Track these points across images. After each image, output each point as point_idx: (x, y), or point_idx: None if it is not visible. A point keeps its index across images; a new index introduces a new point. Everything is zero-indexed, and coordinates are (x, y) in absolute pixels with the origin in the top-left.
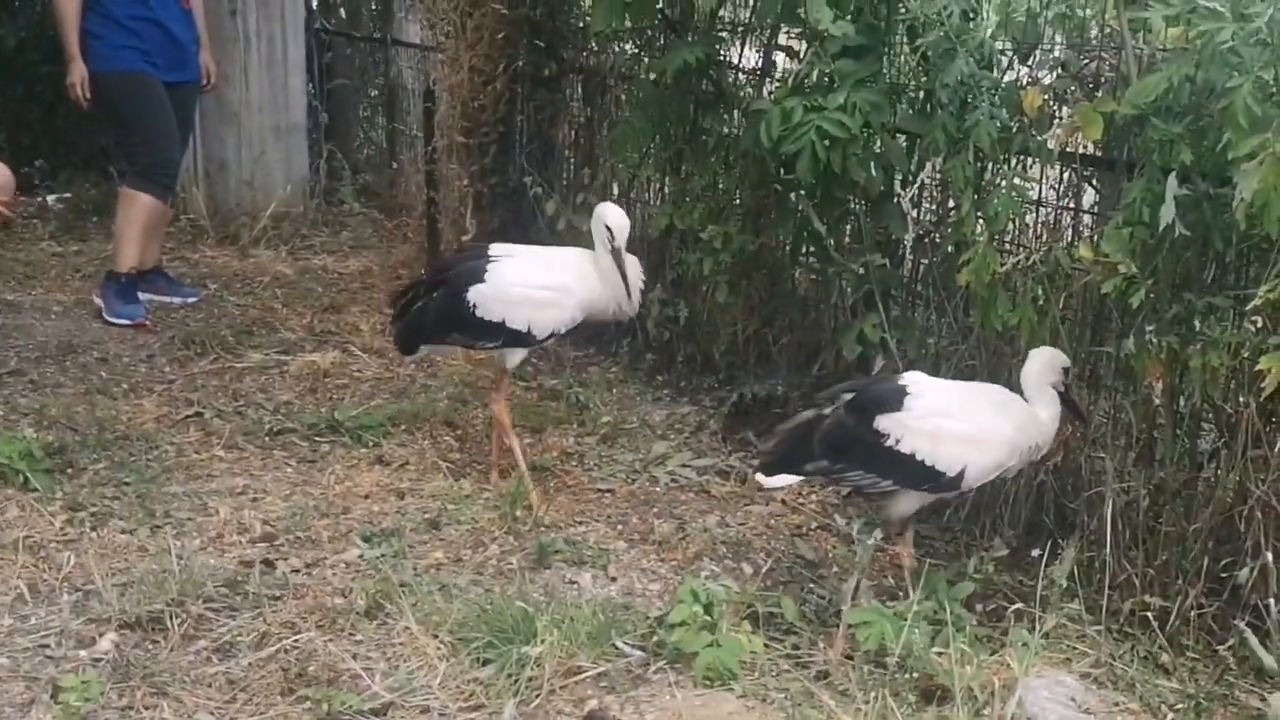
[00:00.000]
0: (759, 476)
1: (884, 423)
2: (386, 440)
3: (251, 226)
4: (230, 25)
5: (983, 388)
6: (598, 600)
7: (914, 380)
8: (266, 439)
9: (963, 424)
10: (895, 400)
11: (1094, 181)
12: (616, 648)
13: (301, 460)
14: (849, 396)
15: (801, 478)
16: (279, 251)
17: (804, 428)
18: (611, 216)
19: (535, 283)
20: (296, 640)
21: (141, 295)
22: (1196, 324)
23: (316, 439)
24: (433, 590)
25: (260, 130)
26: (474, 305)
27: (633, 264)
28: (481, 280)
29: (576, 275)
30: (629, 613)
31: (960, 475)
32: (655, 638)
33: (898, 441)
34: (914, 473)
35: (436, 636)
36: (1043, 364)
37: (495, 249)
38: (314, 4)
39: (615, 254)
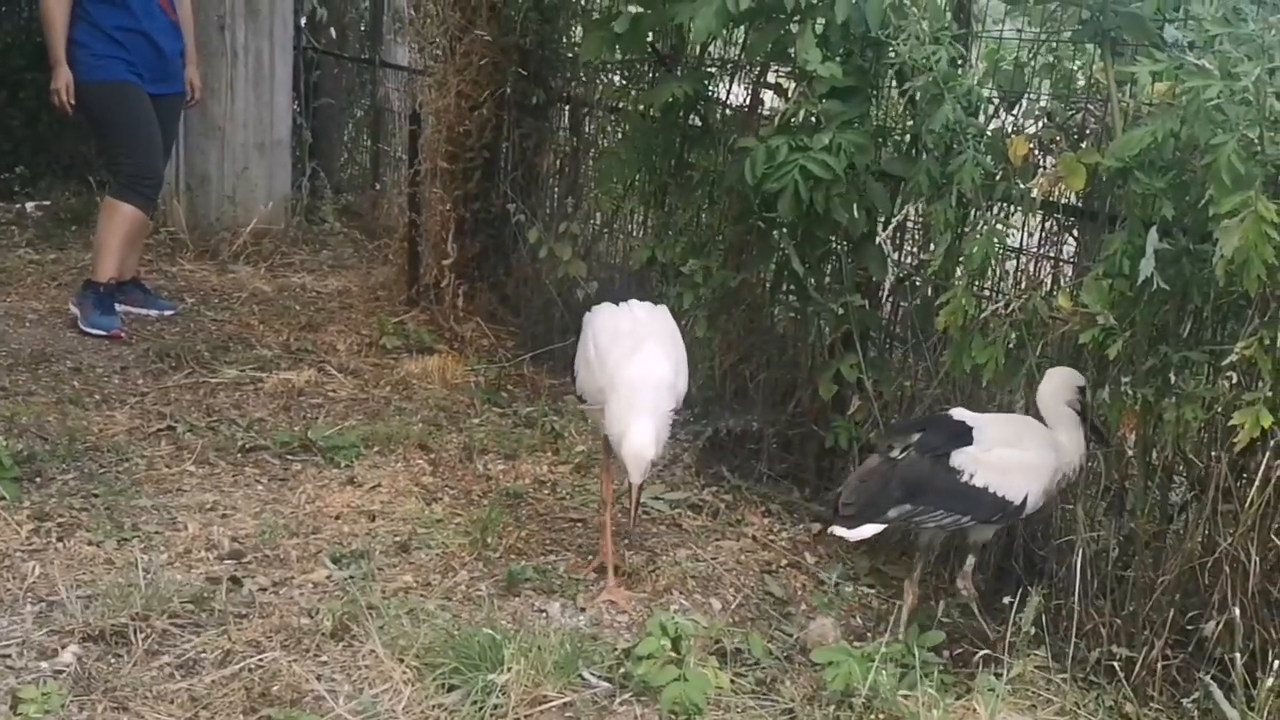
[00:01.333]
0: (841, 531)
1: (959, 459)
2: (359, 461)
3: (231, 242)
4: (218, 40)
5: (1014, 418)
6: (566, 630)
7: (965, 415)
8: (238, 455)
9: (1023, 453)
10: (966, 435)
11: (1075, 232)
12: (583, 678)
13: (272, 478)
14: (917, 437)
15: (885, 525)
16: (258, 268)
17: (877, 474)
18: (629, 444)
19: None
20: (261, 659)
21: (118, 307)
22: (1172, 377)
23: (288, 457)
24: (400, 614)
25: (244, 146)
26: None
27: None
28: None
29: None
30: (597, 643)
31: (1023, 503)
32: (622, 670)
33: (971, 476)
34: (987, 505)
35: (403, 661)
36: (1057, 384)
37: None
38: (303, 22)
39: (630, 489)
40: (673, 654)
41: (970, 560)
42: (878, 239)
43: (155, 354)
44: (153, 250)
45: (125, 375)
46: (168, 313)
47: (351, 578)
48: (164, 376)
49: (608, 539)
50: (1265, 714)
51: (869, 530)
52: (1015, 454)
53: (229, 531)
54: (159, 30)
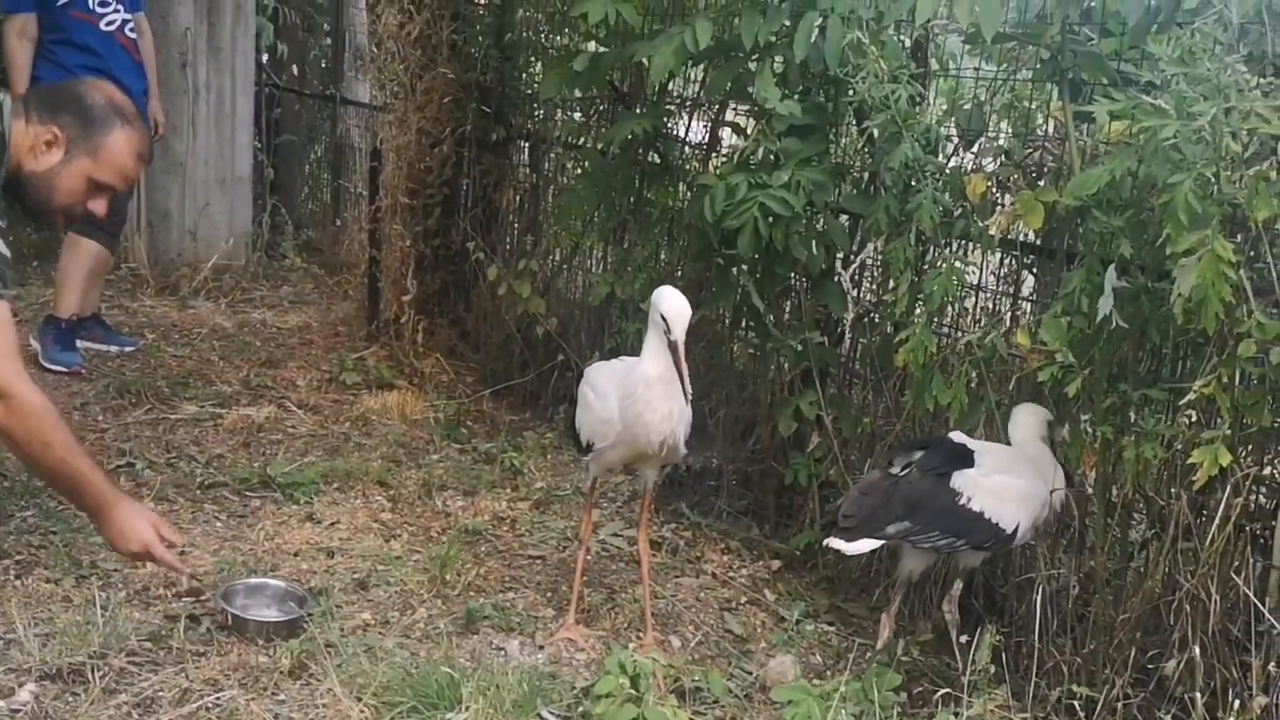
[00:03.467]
0: (837, 543)
1: (959, 480)
2: (318, 498)
3: (192, 278)
4: (180, 77)
5: (1006, 448)
6: (524, 668)
7: (964, 438)
8: (197, 492)
9: (1020, 481)
10: (967, 458)
11: (1034, 270)
12: (541, 717)
13: (231, 515)
14: (919, 455)
15: (882, 541)
16: (219, 304)
17: (878, 489)
18: (668, 301)
19: None
20: (218, 698)
21: (78, 343)
22: (1131, 415)
23: (247, 494)
24: (358, 652)
25: (205, 182)
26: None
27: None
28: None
29: None
30: (555, 682)
31: (1014, 533)
32: (581, 708)
33: (969, 500)
34: (982, 530)
35: (360, 699)
36: (1030, 421)
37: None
38: (264, 60)
39: (673, 348)
40: (632, 692)
41: (957, 585)
42: (837, 276)
43: (115, 390)
44: (114, 286)
45: (85, 411)
46: (128, 349)
47: (309, 615)
48: (124, 413)
49: (578, 577)
50: None
51: (866, 545)
52: (1013, 481)
53: (187, 569)
54: (122, 69)
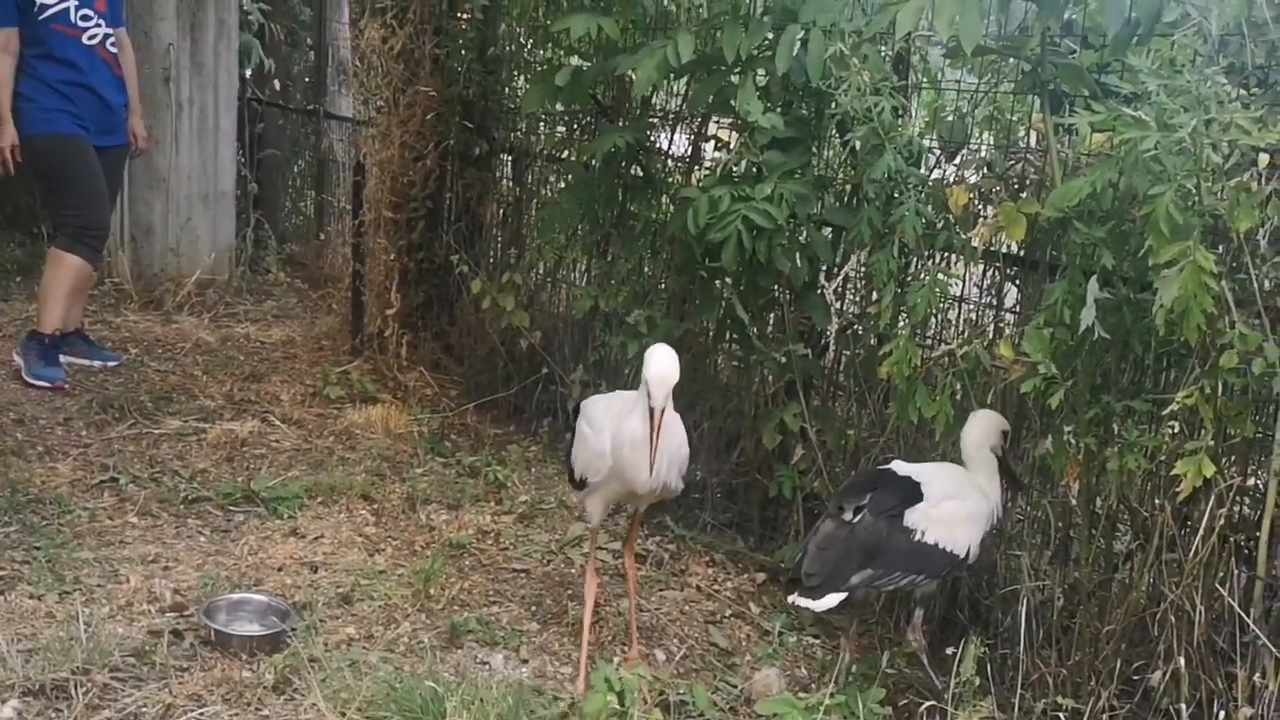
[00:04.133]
0: (805, 603)
1: (911, 518)
2: (302, 512)
3: (176, 292)
4: (163, 92)
5: (945, 466)
6: (508, 682)
7: (907, 468)
8: (181, 507)
9: (964, 504)
10: (916, 492)
11: (1017, 281)
12: None
13: (215, 530)
14: (868, 498)
15: (848, 592)
16: (202, 318)
17: (836, 541)
18: (654, 365)
19: None
20: (202, 713)
21: (61, 358)
22: (1114, 426)
23: (231, 509)
24: (342, 666)
25: (188, 197)
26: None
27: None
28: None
29: None
30: (540, 696)
31: (967, 555)
32: None
33: (923, 534)
34: (939, 561)
35: (344, 715)
36: (984, 428)
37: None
38: (247, 74)
39: (650, 414)
40: (617, 707)
41: (918, 613)
42: (820, 288)
43: (99, 405)
44: (97, 301)
45: (68, 426)
46: (111, 364)
47: (294, 630)
48: (107, 428)
49: (585, 634)
50: None
51: (833, 599)
52: (959, 506)
53: (171, 584)
54: (104, 84)
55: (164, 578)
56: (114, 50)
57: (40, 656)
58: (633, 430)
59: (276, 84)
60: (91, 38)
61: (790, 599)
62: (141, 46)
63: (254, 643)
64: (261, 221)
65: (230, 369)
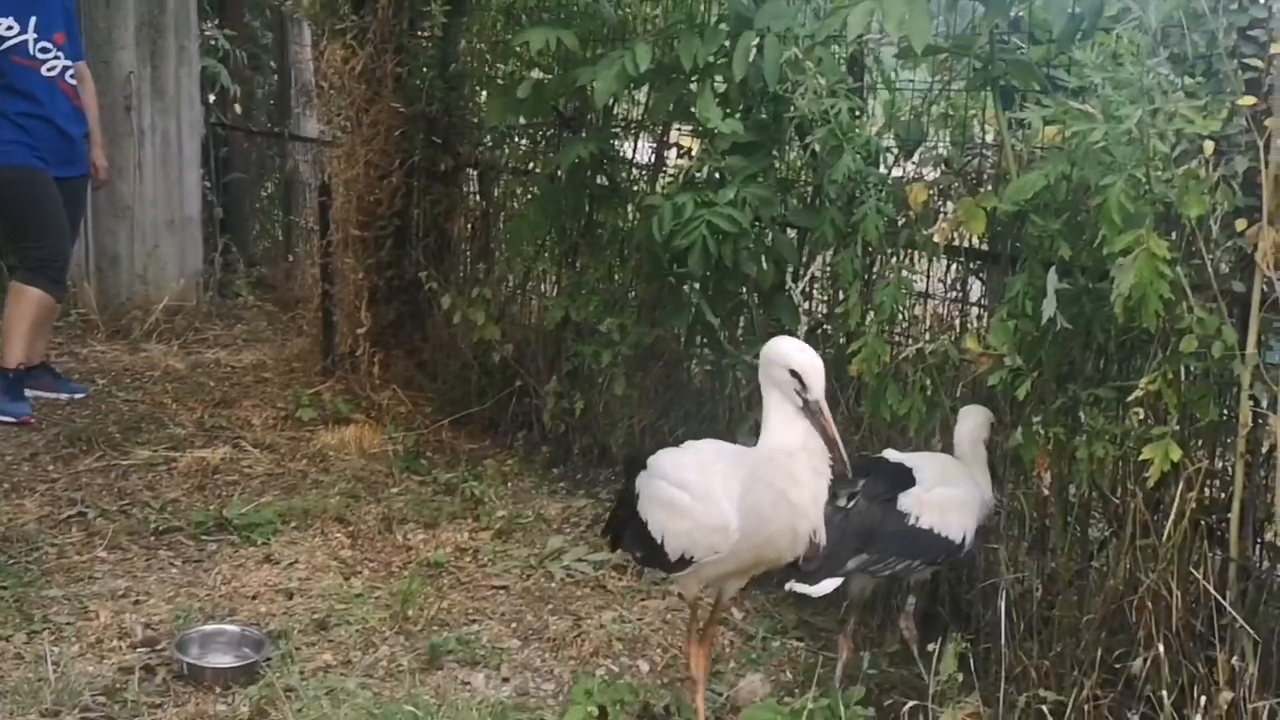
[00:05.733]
0: (802, 587)
1: (905, 502)
2: (276, 538)
3: (143, 320)
4: (124, 120)
5: (937, 455)
6: (490, 702)
7: (899, 455)
8: (151, 539)
9: (958, 491)
10: (908, 477)
11: (980, 275)
12: None
13: (187, 560)
14: (861, 483)
15: (844, 577)
16: (171, 345)
17: (832, 526)
18: (799, 354)
19: None
20: None
21: (27, 392)
22: (1082, 415)
23: (203, 538)
24: (319, 694)
25: (154, 224)
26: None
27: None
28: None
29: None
30: (523, 714)
31: (963, 542)
32: None
33: (918, 519)
34: (934, 546)
35: None
36: (976, 423)
37: None
38: (210, 99)
39: (814, 410)
40: None
41: (911, 600)
42: (788, 290)
43: (65, 438)
44: (63, 332)
45: (35, 462)
46: (78, 395)
47: (268, 659)
48: (75, 461)
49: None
50: None
51: (830, 584)
52: (953, 492)
53: (142, 618)
54: (62, 115)
55: (135, 612)
56: (73, 82)
57: (8, 700)
58: (783, 444)
59: (239, 108)
60: (51, 69)
61: (787, 586)
62: (101, 75)
63: (228, 675)
64: (229, 245)
65: (200, 395)
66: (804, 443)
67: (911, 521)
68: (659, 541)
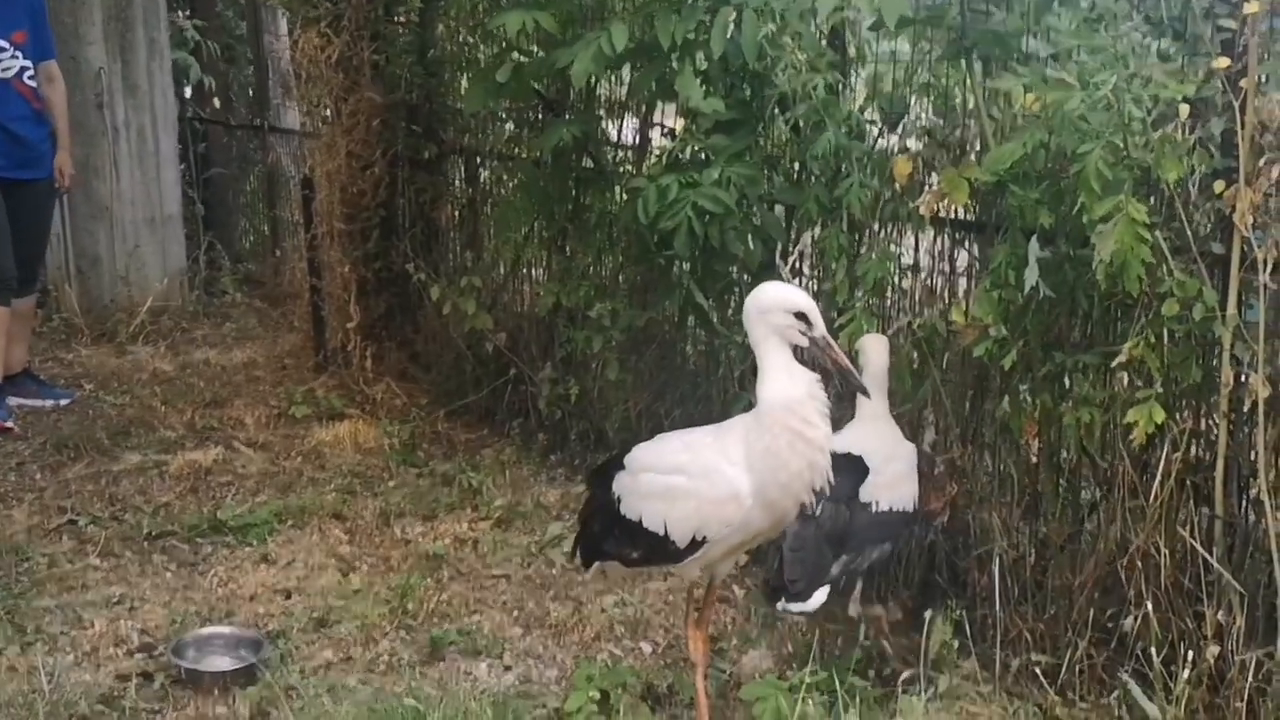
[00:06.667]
0: (796, 607)
1: (865, 493)
2: (272, 538)
3: (128, 323)
4: (97, 118)
5: (862, 424)
6: (493, 692)
7: (842, 441)
8: (145, 544)
9: (902, 462)
10: (862, 467)
11: (965, 245)
12: None
13: (182, 564)
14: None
15: (830, 583)
16: (158, 347)
17: (808, 541)
18: (793, 294)
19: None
20: None
21: (11, 400)
22: (1068, 382)
23: (198, 540)
24: (320, 693)
25: (134, 223)
26: None
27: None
28: None
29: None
30: (526, 701)
31: (916, 509)
32: None
33: (878, 504)
34: (896, 524)
35: None
36: (880, 350)
37: None
38: (186, 93)
39: (822, 345)
40: (600, 705)
41: (859, 585)
42: (777, 267)
43: (53, 446)
44: (46, 338)
45: (22, 471)
46: (64, 402)
47: (268, 659)
48: (63, 469)
49: (703, 711)
50: (1184, 705)
51: (821, 595)
52: (899, 465)
53: (138, 625)
54: (15, 118)
55: (130, 619)
56: (31, 84)
57: (2, 714)
58: (789, 396)
59: (217, 101)
60: (5, 70)
61: (779, 607)
62: (70, 73)
63: (227, 677)
64: (214, 243)
65: (190, 397)
66: (809, 389)
67: (875, 509)
68: (662, 533)
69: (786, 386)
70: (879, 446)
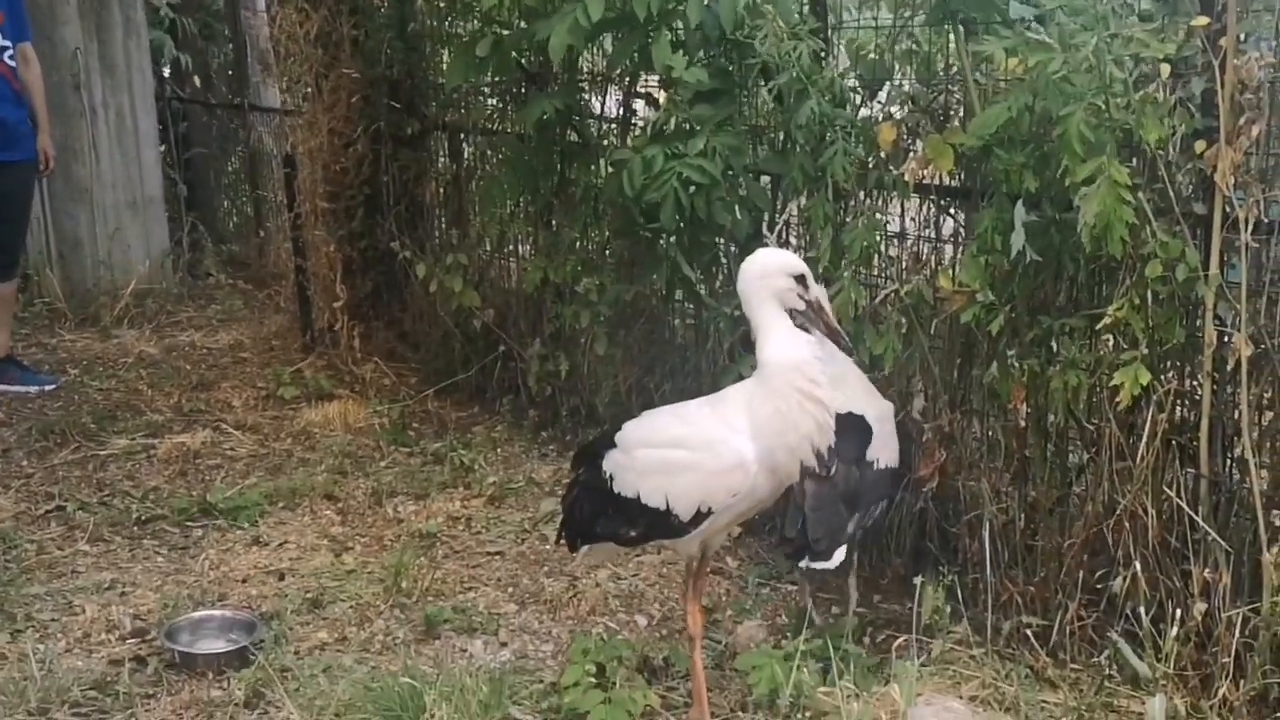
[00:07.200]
0: (819, 565)
1: (871, 451)
2: (263, 520)
3: (112, 306)
4: (75, 99)
5: (845, 378)
6: (489, 668)
7: (842, 402)
8: (134, 528)
9: (890, 419)
10: (865, 426)
11: (953, 212)
12: (511, 715)
13: (173, 548)
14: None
15: (846, 543)
16: (143, 330)
17: (825, 500)
18: (787, 258)
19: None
20: None
21: None
22: (1055, 345)
23: (188, 524)
24: (316, 673)
25: (114, 206)
26: None
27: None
28: None
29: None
30: (523, 677)
31: (903, 466)
32: (550, 700)
33: (879, 461)
34: (895, 481)
35: None
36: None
37: None
38: (165, 73)
39: (816, 309)
40: (596, 678)
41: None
42: (764, 237)
43: (38, 432)
44: (29, 323)
45: (7, 458)
46: (49, 387)
47: (262, 641)
48: (49, 454)
49: (701, 686)
50: (1173, 663)
51: (841, 553)
52: (890, 425)
53: (130, 609)
54: None
55: (121, 604)
56: (11, 64)
57: None
58: (797, 358)
59: (196, 80)
60: None
61: (802, 565)
62: (46, 54)
63: (221, 660)
64: (196, 224)
65: (177, 380)
66: (812, 350)
67: (878, 466)
68: (664, 508)
69: (790, 347)
70: (873, 407)
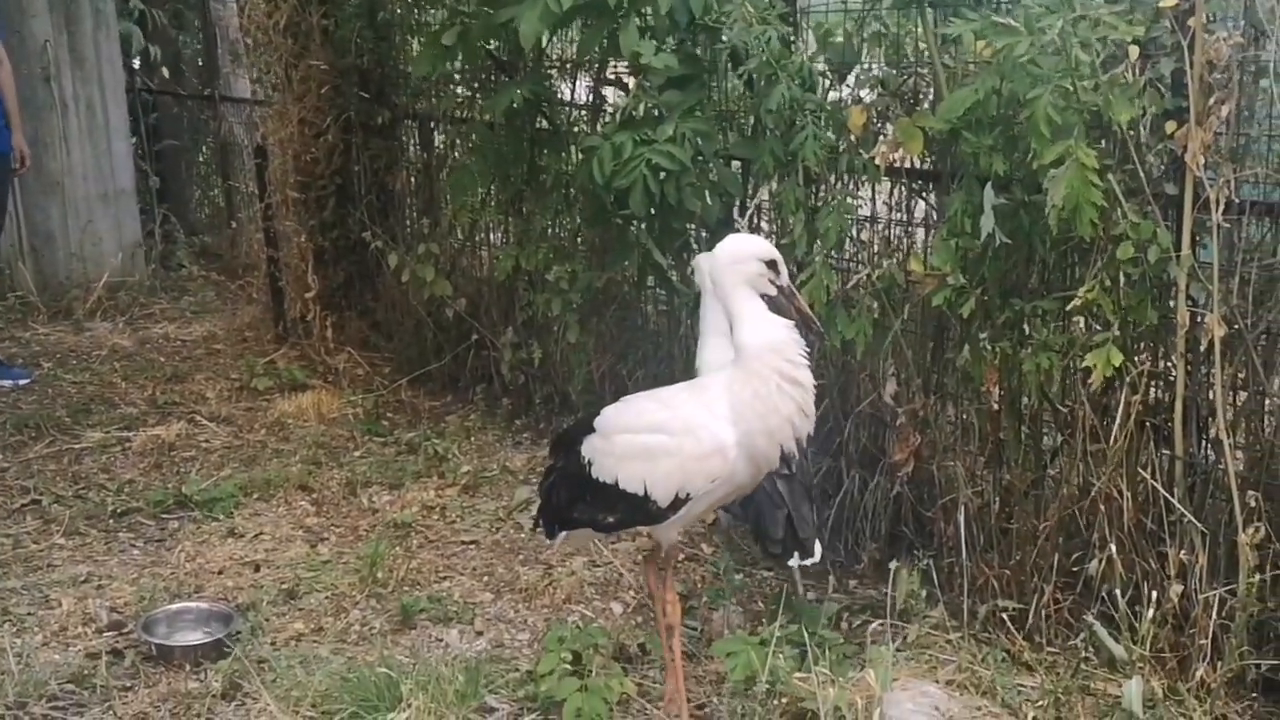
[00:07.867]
0: (809, 561)
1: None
2: (238, 511)
3: (85, 299)
4: (45, 92)
5: None
6: (465, 657)
7: None
8: (110, 521)
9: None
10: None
11: (923, 195)
12: (487, 704)
13: (149, 540)
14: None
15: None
16: (116, 323)
17: (799, 496)
18: (759, 244)
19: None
20: None
21: None
22: (1027, 328)
23: (164, 516)
24: (292, 664)
25: (86, 198)
26: None
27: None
28: None
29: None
30: (499, 665)
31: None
32: (527, 688)
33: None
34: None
35: (298, 712)
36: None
37: None
38: (135, 64)
39: (788, 294)
40: (572, 666)
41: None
42: (735, 223)
43: (12, 426)
44: (2, 317)
45: None
46: (22, 382)
47: (238, 633)
48: (24, 448)
49: (678, 674)
50: (1150, 645)
51: (819, 545)
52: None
53: (106, 602)
54: None
55: (98, 597)
56: None
57: None
58: (775, 340)
59: (166, 71)
60: None
61: (793, 564)
62: (15, 48)
63: (198, 652)
64: (168, 216)
65: (151, 372)
66: (789, 333)
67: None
68: (642, 494)
69: (767, 330)
70: None
